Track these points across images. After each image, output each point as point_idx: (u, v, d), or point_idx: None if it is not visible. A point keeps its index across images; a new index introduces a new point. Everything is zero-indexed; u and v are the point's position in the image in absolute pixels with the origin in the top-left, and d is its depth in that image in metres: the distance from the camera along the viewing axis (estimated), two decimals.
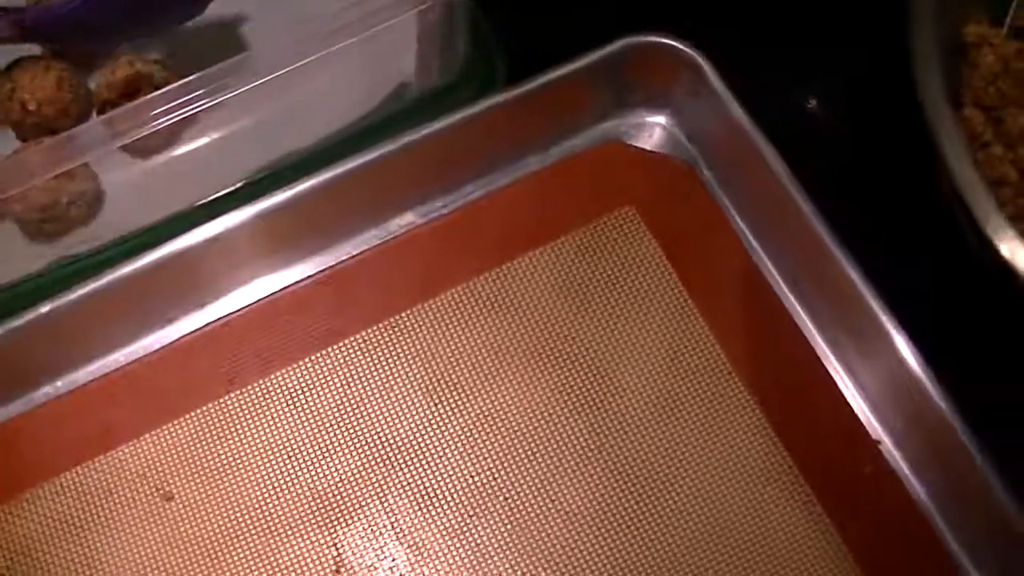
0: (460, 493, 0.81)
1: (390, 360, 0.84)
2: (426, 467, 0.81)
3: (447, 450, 0.82)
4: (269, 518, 0.81)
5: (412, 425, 0.82)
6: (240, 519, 0.81)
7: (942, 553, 0.80)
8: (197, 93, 0.79)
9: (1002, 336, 0.81)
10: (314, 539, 0.80)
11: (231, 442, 0.83)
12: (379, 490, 0.81)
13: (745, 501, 0.80)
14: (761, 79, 0.88)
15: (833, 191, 0.84)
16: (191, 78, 0.79)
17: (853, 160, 0.92)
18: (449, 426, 0.83)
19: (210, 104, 0.79)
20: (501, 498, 0.80)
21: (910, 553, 0.80)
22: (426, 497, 0.81)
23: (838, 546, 0.79)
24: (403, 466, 0.82)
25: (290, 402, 0.83)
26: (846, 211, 0.83)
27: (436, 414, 0.83)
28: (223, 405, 0.83)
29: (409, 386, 0.84)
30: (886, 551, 0.79)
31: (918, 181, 0.80)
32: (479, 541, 0.79)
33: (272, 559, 0.80)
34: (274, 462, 0.82)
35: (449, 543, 0.79)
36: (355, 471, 0.81)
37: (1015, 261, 0.71)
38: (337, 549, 0.80)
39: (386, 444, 0.82)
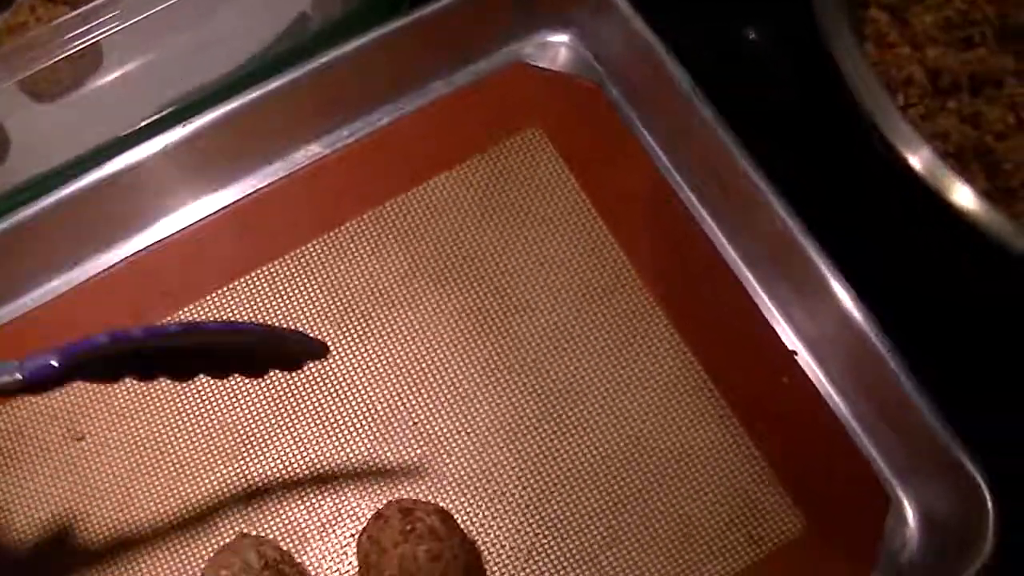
0: (369, 420, 0.79)
1: (297, 292, 0.83)
2: (334, 395, 0.80)
3: (355, 378, 0.80)
4: (181, 454, 0.79)
5: None
6: (152, 456, 0.79)
7: (861, 462, 0.78)
8: (91, 24, 0.76)
9: (915, 242, 0.79)
10: (224, 472, 0.79)
11: None
12: (288, 420, 0.80)
13: (659, 415, 0.79)
14: (701, 7, 0.87)
15: (749, 118, 0.82)
16: (84, 8, 0.77)
17: (768, 91, 0.90)
18: (357, 354, 0.81)
19: (101, 36, 0.76)
20: (410, 423, 0.79)
21: (829, 463, 0.78)
22: (335, 425, 0.79)
23: (755, 457, 0.78)
24: (311, 395, 0.80)
25: None
26: (763, 135, 0.82)
27: (344, 343, 0.81)
28: None
29: (316, 316, 0.82)
30: (804, 461, 0.78)
31: (824, 93, 0.78)
32: (388, 467, 0.78)
33: (183, 494, 0.79)
34: (184, 399, 0.81)
35: (359, 470, 0.78)
36: (264, 404, 0.80)
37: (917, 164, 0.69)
38: (248, 482, 0.78)
39: (294, 375, 0.80)
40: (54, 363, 0.63)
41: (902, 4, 0.78)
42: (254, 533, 0.76)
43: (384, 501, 0.76)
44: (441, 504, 0.75)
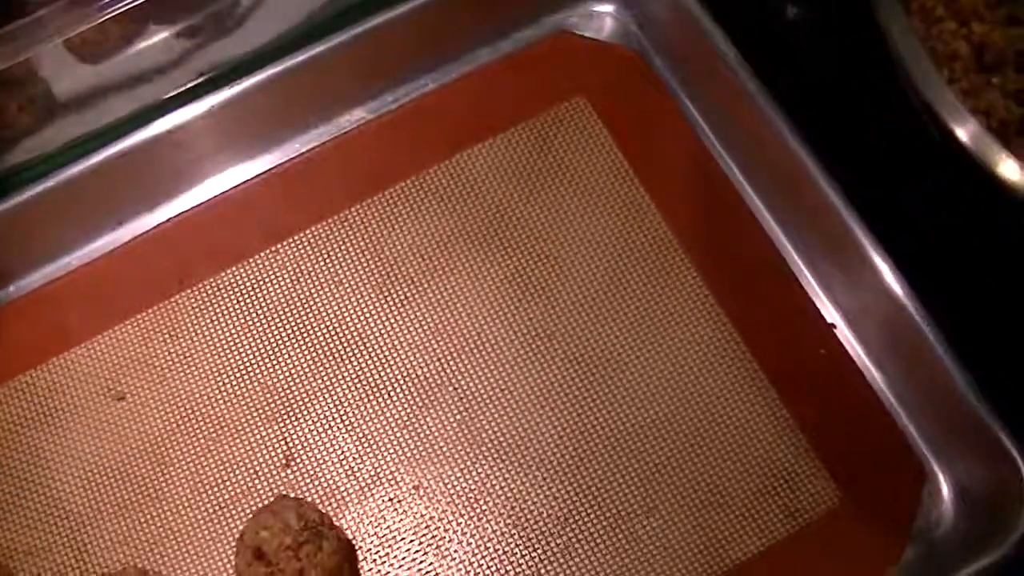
0: (409, 385, 0.78)
1: (340, 255, 0.82)
2: (375, 360, 0.79)
3: (396, 343, 0.79)
4: (219, 414, 0.79)
5: (361, 319, 0.80)
6: (191, 416, 0.79)
7: (897, 436, 0.77)
8: None
9: (957, 216, 0.78)
10: (264, 434, 0.78)
11: (182, 341, 0.81)
12: (329, 384, 0.79)
13: (697, 384, 0.78)
14: None
15: (794, 91, 0.81)
16: None
17: (815, 64, 0.88)
18: (398, 319, 0.80)
19: None
20: (450, 388, 0.78)
21: (865, 436, 0.77)
22: (376, 389, 0.78)
23: (792, 429, 0.77)
24: (353, 359, 0.79)
25: (240, 299, 0.81)
26: (806, 104, 0.81)
27: (385, 307, 0.80)
28: (174, 304, 0.82)
29: (359, 280, 0.81)
30: (841, 434, 0.77)
31: (872, 69, 0.76)
32: (428, 432, 0.77)
33: (222, 455, 0.78)
34: (224, 359, 0.80)
35: (398, 434, 0.77)
36: (305, 366, 0.79)
37: (965, 137, 0.68)
38: (287, 443, 0.78)
39: (336, 338, 0.80)
40: None
41: None
42: (292, 493, 0.75)
43: (424, 465, 0.75)
44: (478, 470, 0.75)
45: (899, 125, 0.74)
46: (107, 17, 0.76)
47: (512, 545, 0.74)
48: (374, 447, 0.77)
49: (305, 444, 0.78)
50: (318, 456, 0.78)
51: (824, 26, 0.86)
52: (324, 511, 0.74)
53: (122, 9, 0.76)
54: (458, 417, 0.77)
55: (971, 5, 0.75)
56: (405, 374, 0.79)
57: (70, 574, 0.76)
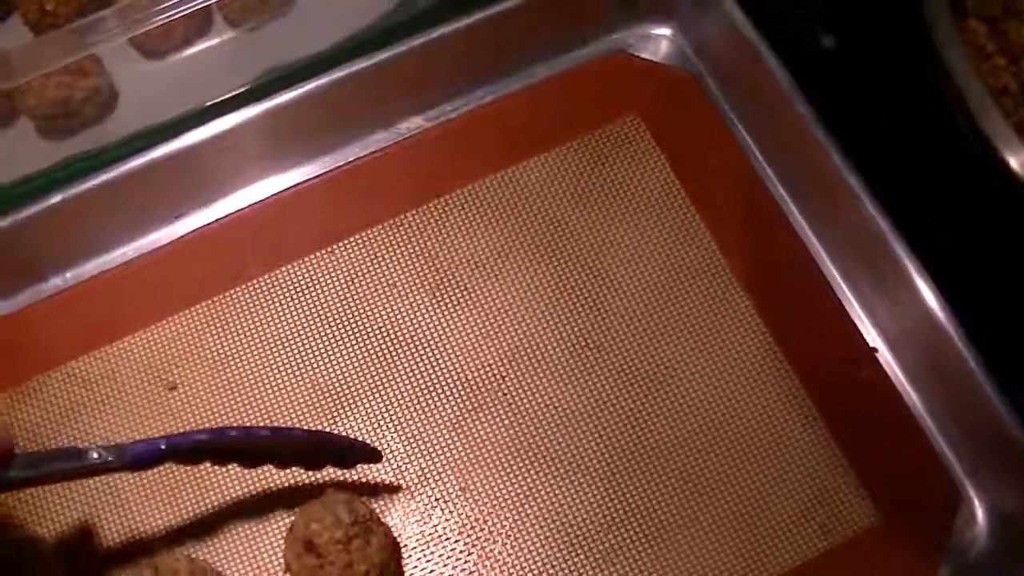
0: (459, 388, 0.79)
1: (394, 258, 0.83)
2: (426, 362, 0.80)
3: (447, 346, 0.80)
4: (270, 409, 0.79)
5: (413, 321, 0.81)
6: (242, 410, 0.80)
7: (935, 459, 0.78)
8: None
9: (1005, 244, 0.79)
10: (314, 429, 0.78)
11: (235, 335, 0.81)
12: (379, 383, 0.80)
13: (740, 400, 0.79)
14: (778, 15, 0.86)
15: (843, 115, 0.82)
16: None
17: (864, 91, 0.89)
18: (450, 323, 0.81)
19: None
20: (500, 394, 0.79)
21: (903, 458, 0.78)
22: (426, 391, 0.79)
23: (831, 448, 0.78)
24: (403, 361, 0.80)
25: (294, 297, 0.82)
26: (857, 132, 0.82)
27: (437, 311, 0.81)
28: (228, 299, 0.82)
29: (412, 284, 0.82)
30: (879, 456, 0.78)
31: (923, 97, 0.78)
32: (476, 436, 0.78)
33: None
34: (276, 355, 0.81)
35: (446, 437, 0.78)
36: (356, 365, 0.80)
37: (1019, 168, 0.69)
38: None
39: (387, 339, 0.81)
40: (162, 447, 0.70)
41: (1000, 16, 0.78)
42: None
43: (470, 467, 0.76)
44: (524, 475, 0.77)
45: (950, 154, 0.75)
46: (173, 17, 0.77)
47: (554, 550, 0.75)
48: (422, 448, 0.78)
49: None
50: None
51: (869, 55, 0.87)
52: (372, 508, 0.74)
53: (188, 10, 0.77)
54: (505, 422, 0.78)
55: (1020, 42, 0.76)
56: (455, 377, 0.79)
57: (120, 558, 0.76)
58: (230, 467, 0.75)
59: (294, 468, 0.76)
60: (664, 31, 0.91)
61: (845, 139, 0.81)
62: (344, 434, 0.78)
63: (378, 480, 0.77)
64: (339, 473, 0.77)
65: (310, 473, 0.77)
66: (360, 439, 0.77)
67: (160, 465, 0.70)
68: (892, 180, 0.80)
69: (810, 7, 0.89)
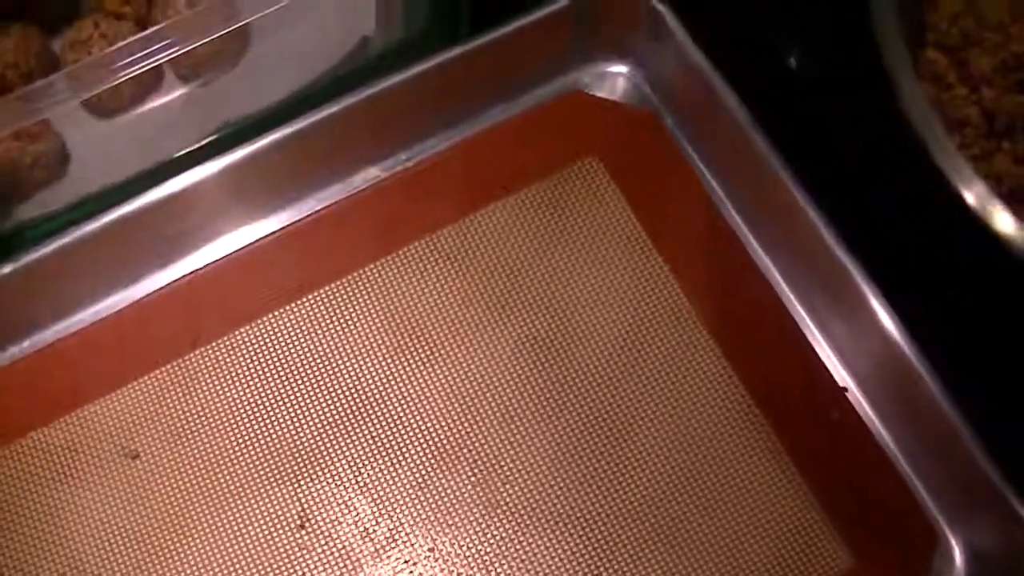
0: (425, 446, 0.78)
1: (355, 314, 0.81)
2: (391, 420, 0.78)
3: (412, 402, 0.79)
4: (234, 475, 0.78)
5: (378, 379, 0.80)
6: (205, 477, 0.78)
7: (909, 499, 0.77)
8: (157, 46, 0.75)
9: (967, 280, 0.77)
10: (279, 494, 0.77)
11: (197, 399, 0.79)
12: (344, 444, 0.78)
13: (711, 448, 0.77)
14: (741, 37, 0.85)
15: (807, 147, 0.80)
16: (150, 31, 0.76)
17: (824, 122, 0.88)
18: (414, 379, 0.79)
19: (170, 56, 0.75)
20: (465, 450, 0.77)
21: (877, 500, 0.77)
22: (391, 450, 0.78)
23: (804, 492, 0.76)
24: (368, 419, 0.78)
25: (255, 358, 0.80)
26: (818, 167, 0.80)
27: (401, 367, 0.80)
28: (188, 362, 0.80)
29: (375, 339, 0.80)
30: (853, 498, 0.77)
31: (882, 128, 0.76)
32: (444, 494, 0.76)
33: (237, 516, 0.77)
34: (240, 418, 0.79)
35: (414, 496, 0.76)
36: (320, 425, 0.78)
37: (974, 202, 0.67)
38: (302, 504, 0.77)
39: (351, 398, 0.79)
40: None
41: (960, 45, 0.76)
42: (306, 555, 0.74)
43: (439, 527, 0.75)
44: (494, 531, 0.75)
45: (911, 189, 0.74)
46: (124, 78, 0.75)
47: None
48: (389, 508, 0.76)
49: (320, 504, 0.77)
50: (333, 516, 0.77)
51: (829, 82, 0.85)
52: (339, 573, 0.73)
53: (139, 71, 0.75)
54: (473, 479, 0.77)
55: (980, 72, 0.75)
56: (420, 435, 0.78)
57: None
58: (196, 536, 0.76)
59: None
60: (620, 68, 0.89)
61: (805, 172, 0.79)
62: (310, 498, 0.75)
63: (345, 544, 0.76)
64: (304, 540, 0.75)
65: (274, 543, 0.75)
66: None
67: None
68: (855, 214, 0.78)
69: (765, 35, 0.87)
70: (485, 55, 0.84)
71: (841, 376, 0.79)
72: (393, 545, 0.75)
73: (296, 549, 0.75)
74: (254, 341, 0.81)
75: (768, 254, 0.83)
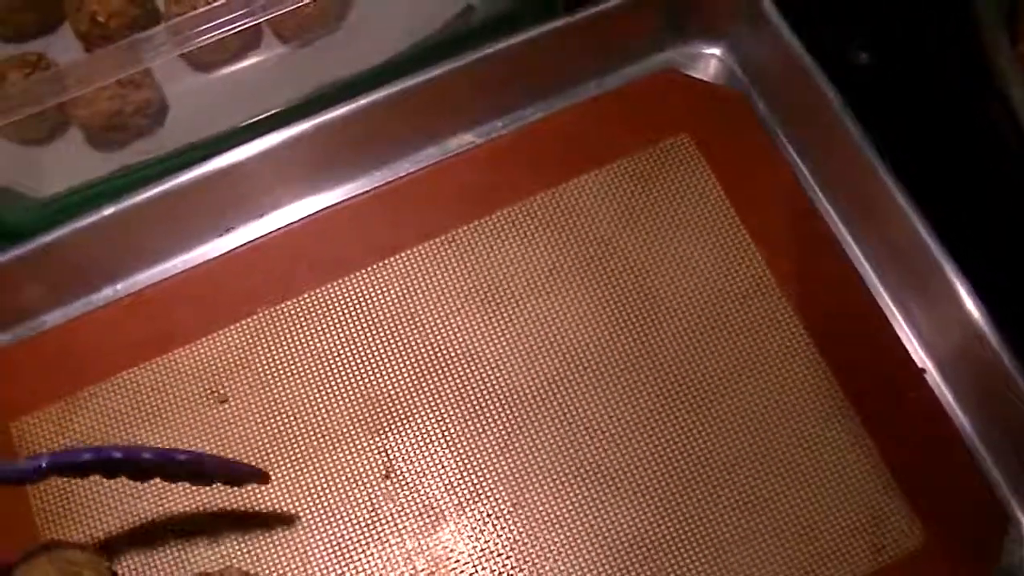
0: (510, 403, 0.78)
1: (445, 273, 0.82)
2: (477, 378, 0.79)
3: (499, 362, 0.79)
4: (322, 423, 0.78)
5: (465, 336, 0.80)
6: (292, 424, 0.78)
7: (982, 481, 0.78)
8: (260, 3, 0.76)
9: None
10: (365, 445, 0.78)
11: (286, 348, 0.80)
12: (431, 399, 0.79)
13: (790, 420, 0.78)
14: (815, 31, 0.85)
15: (893, 134, 0.81)
16: None
17: (914, 110, 0.88)
18: (501, 338, 0.80)
19: (272, 15, 0.76)
20: (550, 409, 0.78)
21: (951, 479, 0.77)
22: (476, 408, 0.78)
23: (880, 468, 0.77)
24: (455, 376, 0.79)
25: (345, 311, 0.81)
26: (903, 152, 0.80)
27: (489, 326, 0.80)
28: (279, 312, 0.81)
29: (463, 299, 0.81)
30: (928, 476, 0.77)
31: (971, 122, 0.77)
32: (527, 453, 0.77)
33: (323, 464, 0.78)
34: (328, 369, 0.80)
35: (497, 453, 0.77)
36: (407, 380, 0.79)
37: None
38: (387, 455, 0.77)
39: (439, 354, 0.80)
40: (43, 464, 0.68)
41: None
42: (391, 504, 0.75)
43: (522, 484, 0.75)
44: (575, 491, 0.76)
45: (1001, 174, 0.74)
46: (227, 34, 0.76)
47: (605, 567, 0.75)
48: (473, 464, 0.77)
49: (405, 456, 0.77)
50: (418, 468, 0.77)
51: (918, 74, 0.86)
52: (422, 524, 0.74)
53: (241, 28, 0.76)
54: (556, 440, 0.77)
55: None
56: (506, 392, 0.79)
57: (168, 572, 0.75)
58: (278, 479, 0.77)
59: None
60: (713, 50, 0.90)
61: (895, 158, 0.80)
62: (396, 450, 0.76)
63: (429, 496, 0.76)
64: (388, 491, 0.76)
65: (357, 494, 0.77)
66: (248, 466, 0.76)
67: (45, 479, 0.70)
68: (942, 200, 0.79)
69: (859, 25, 0.88)
70: (582, 31, 0.85)
71: (920, 358, 0.80)
72: (477, 499, 0.76)
73: (381, 498, 0.76)
74: (345, 295, 0.82)
75: (853, 235, 0.84)
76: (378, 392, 0.78)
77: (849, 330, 0.80)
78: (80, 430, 0.78)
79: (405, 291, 0.81)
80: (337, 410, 0.79)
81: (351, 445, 0.78)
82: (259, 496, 0.77)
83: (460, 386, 0.79)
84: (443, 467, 0.77)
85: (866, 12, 0.90)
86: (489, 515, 0.75)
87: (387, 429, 0.78)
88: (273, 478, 0.77)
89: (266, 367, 0.80)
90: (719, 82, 0.89)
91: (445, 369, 0.79)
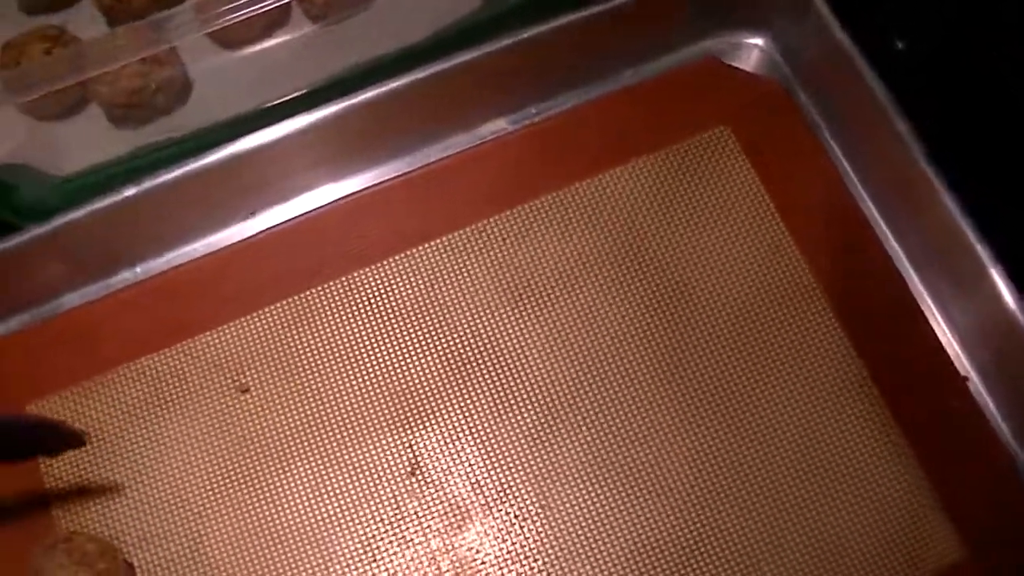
0: (539, 402, 0.75)
1: (475, 264, 0.78)
2: (506, 372, 0.76)
3: (528, 356, 0.76)
4: (345, 416, 0.75)
5: (494, 329, 0.77)
6: (315, 416, 0.75)
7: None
8: None
9: None
10: (390, 440, 0.75)
11: (310, 337, 0.77)
12: (457, 394, 0.75)
13: (827, 426, 0.75)
14: (858, 20, 0.82)
15: (940, 130, 0.77)
16: None
17: (963, 103, 0.85)
18: (531, 332, 0.77)
19: None
20: (579, 410, 0.75)
21: (992, 491, 0.74)
22: (505, 404, 0.75)
23: (919, 479, 0.74)
24: (483, 370, 0.76)
25: (372, 300, 0.78)
26: (950, 148, 0.77)
27: (518, 320, 0.77)
28: (303, 300, 0.78)
29: (493, 291, 0.78)
30: (968, 488, 0.74)
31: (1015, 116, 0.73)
32: (556, 452, 0.74)
33: (347, 458, 0.75)
34: (353, 360, 0.76)
35: (526, 452, 0.74)
36: (434, 373, 0.76)
37: None
38: (413, 451, 0.74)
39: (466, 347, 0.76)
40: None
41: None
42: (416, 502, 0.72)
43: (550, 483, 0.72)
44: (605, 493, 0.73)
45: None
46: (253, 13, 0.73)
47: (634, 572, 0.71)
48: (501, 462, 0.74)
49: (432, 453, 0.74)
50: (444, 466, 0.74)
51: (967, 66, 0.83)
52: (447, 524, 0.71)
53: (269, 7, 0.73)
54: (586, 439, 0.74)
55: None
56: (535, 388, 0.76)
57: (184, 564, 0.72)
58: (299, 474, 0.73)
59: None
60: (756, 40, 0.87)
61: (942, 155, 0.76)
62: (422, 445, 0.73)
63: (455, 495, 0.73)
64: (414, 488, 0.73)
65: (382, 490, 0.74)
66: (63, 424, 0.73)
67: None
68: (991, 201, 0.75)
69: (899, 12, 0.84)
70: (621, 17, 0.81)
71: (963, 365, 0.77)
72: (504, 499, 0.73)
73: (406, 496, 0.73)
74: (371, 284, 0.79)
75: (895, 234, 0.81)
76: (403, 385, 0.75)
77: (890, 333, 0.77)
78: (96, 416, 0.76)
79: (432, 282, 0.78)
80: (361, 403, 0.76)
81: (375, 440, 0.75)
82: (278, 487, 0.74)
83: (488, 381, 0.75)
84: (470, 465, 0.74)
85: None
86: (516, 516, 0.73)
87: (412, 424, 0.74)
88: (295, 473, 0.74)
89: (289, 357, 0.77)
90: (760, 72, 0.86)
91: (472, 364, 0.76)
